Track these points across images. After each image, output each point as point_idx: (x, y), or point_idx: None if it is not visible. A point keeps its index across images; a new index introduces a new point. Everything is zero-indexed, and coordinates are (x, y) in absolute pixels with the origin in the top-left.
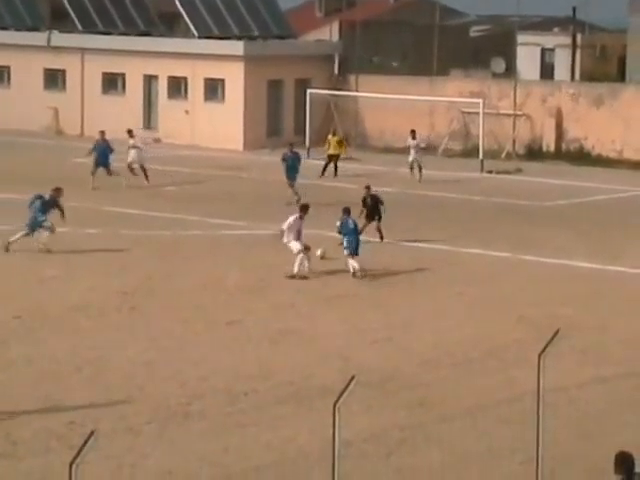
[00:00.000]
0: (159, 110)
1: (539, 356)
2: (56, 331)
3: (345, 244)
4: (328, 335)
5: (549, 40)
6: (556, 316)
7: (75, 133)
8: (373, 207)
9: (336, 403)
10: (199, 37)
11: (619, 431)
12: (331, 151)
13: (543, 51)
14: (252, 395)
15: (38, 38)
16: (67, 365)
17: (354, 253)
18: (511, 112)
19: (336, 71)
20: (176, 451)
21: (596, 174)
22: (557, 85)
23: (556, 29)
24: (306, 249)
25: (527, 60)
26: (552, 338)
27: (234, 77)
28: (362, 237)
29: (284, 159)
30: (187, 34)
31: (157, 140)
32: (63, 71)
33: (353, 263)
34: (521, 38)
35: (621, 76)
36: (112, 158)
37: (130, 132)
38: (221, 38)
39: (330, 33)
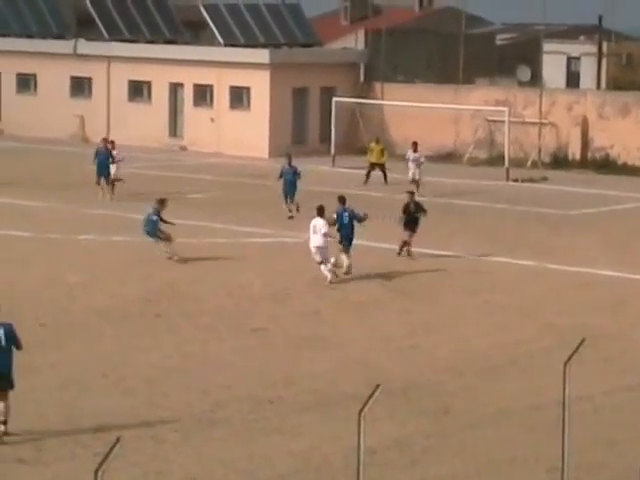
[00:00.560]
0: (185, 118)
1: (565, 364)
2: (81, 338)
3: (338, 238)
4: (352, 342)
5: (575, 48)
6: (581, 324)
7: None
8: (414, 216)
9: (361, 411)
10: (225, 45)
11: None
12: (374, 159)
13: (569, 59)
14: (276, 402)
15: (64, 46)
16: (92, 371)
17: (347, 249)
18: (537, 120)
19: (361, 79)
20: (200, 458)
21: (622, 183)
22: (583, 93)
23: (582, 37)
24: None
25: (553, 68)
26: (578, 347)
27: (260, 85)
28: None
29: (281, 175)
30: (213, 42)
31: (183, 148)
32: (89, 79)
33: (345, 260)
34: (547, 46)
35: None
36: (113, 167)
37: (112, 143)
38: (247, 46)
39: (356, 41)
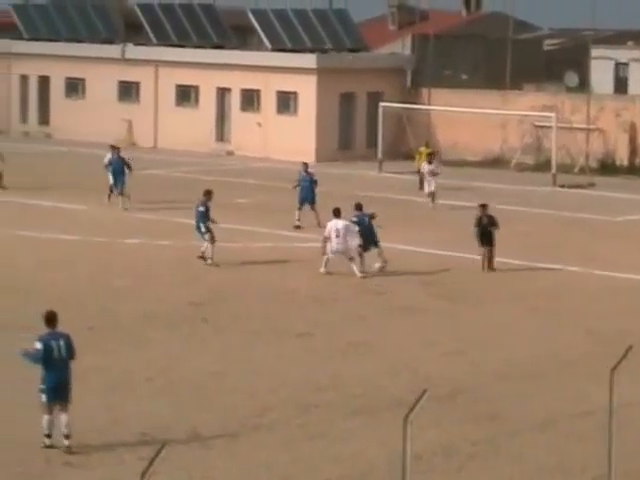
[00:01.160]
0: (232, 123)
1: (611, 371)
2: (127, 342)
3: (360, 242)
4: (398, 347)
5: (623, 54)
6: (627, 331)
7: (148, 145)
8: (487, 230)
9: (407, 416)
10: (272, 50)
11: None
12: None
13: (617, 65)
14: (322, 407)
15: (113, 51)
16: (138, 376)
17: (363, 250)
18: (584, 126)
19: (408, 84)
20: (246, 463)
21: None
22: (631, 99)
23: (630, 43)
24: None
25: (601, 74)
26: (625, 354)
27: (307, 90)
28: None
29: (298, 183)
30: (260, 47)
31: (229, 152)
32: (137, 83)
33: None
34: (595, 52)
35: None
36: (127, 178)
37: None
38: (294, 51)
39: (402, 46)
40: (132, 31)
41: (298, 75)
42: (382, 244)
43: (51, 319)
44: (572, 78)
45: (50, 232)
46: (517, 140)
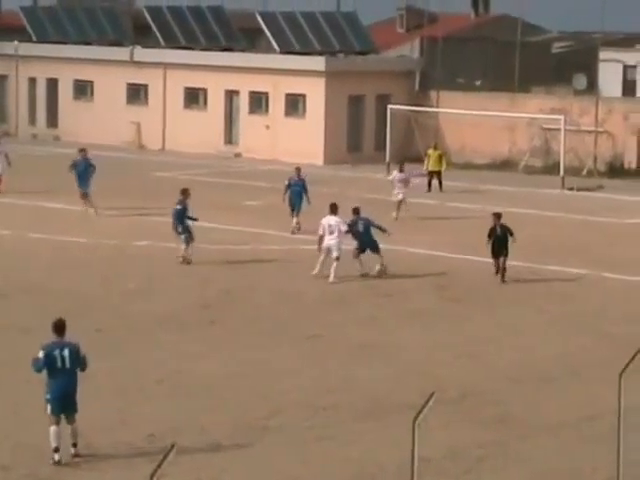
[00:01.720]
0: (240, 125)
1: (620, 375)
2: (137, 344)
3: (356, 245)
4: (409, 350)
5: (631, 57)
6: (638, 333)
7: (157, 148)
8: (501, 240)
9: (415, 419)
10: (280, 52)
11: None
12: (432, 167)
13: (625, 68)
14: (332, 409)
15: (121, 53)
16: (148, 378)
17: (360, 252)
18: (593, 129)
19: (417, 87)
20: (255, 465)
21: None
22: (639, 102)
23: (638, 46)
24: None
25: (609, 77)
26: (633, 357)
27: (315, 92)
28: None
29: (289, 185)
30: (269, 49)
31: (237, 155)
32: (145, 86)
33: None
34: (603, 55)
35: None
36: (93, 181)
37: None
38: (302, 53)
39: (411, 49)
40: (140, 34)
41: (307, 78)
42: (392, 247)
43: (59, 327)
44: (581, 81)
45: (61, 234)
46: (525, 143)
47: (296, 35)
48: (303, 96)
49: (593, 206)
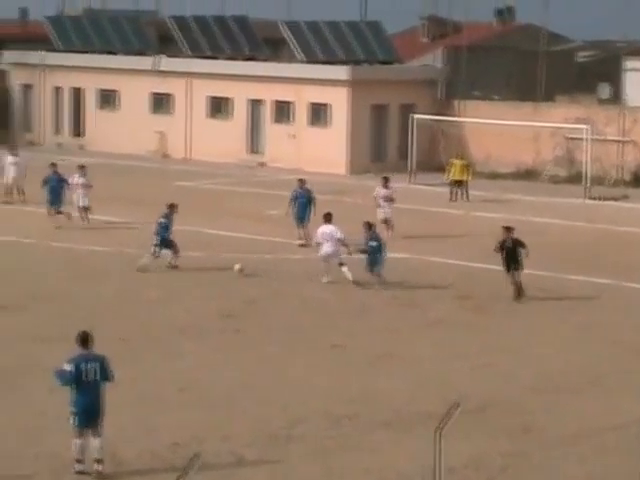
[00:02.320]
0: (264, 134)
1: None
2: (159, 353)
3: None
4: (429, 360)
5: None
6: None
7: (181, 157)
8: (512, 253)
9: (438, 429)
10: (305, 62)
11: None
12: (456, 176)
13: None
14: (353, 419)
15: (146, 63)
16: (170, 387)
17: (371, 269)
18: (618, 138)
19: (440, 96)
20: (278, 474)
21: None
22: None
23: None
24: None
25: (634, 86)
26: None
27: (339, 102)
28: None
29: (295, 197)
30: (293, 59)
31: (261, 164)
32: (170, 95)
33: (346, 275)
34: (628, 64)
35: None
36: (64, 196)
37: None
38: (326, 63)
39: (435, 58)
40: (165, 43)
41: (330, 87)
42: (414, 256)
43: (85, 339)
44: (605, 90)
45: (83, 243)
46: (549, 152)
47: (320, 44)
48: (327, 105)
49: (617, 216)
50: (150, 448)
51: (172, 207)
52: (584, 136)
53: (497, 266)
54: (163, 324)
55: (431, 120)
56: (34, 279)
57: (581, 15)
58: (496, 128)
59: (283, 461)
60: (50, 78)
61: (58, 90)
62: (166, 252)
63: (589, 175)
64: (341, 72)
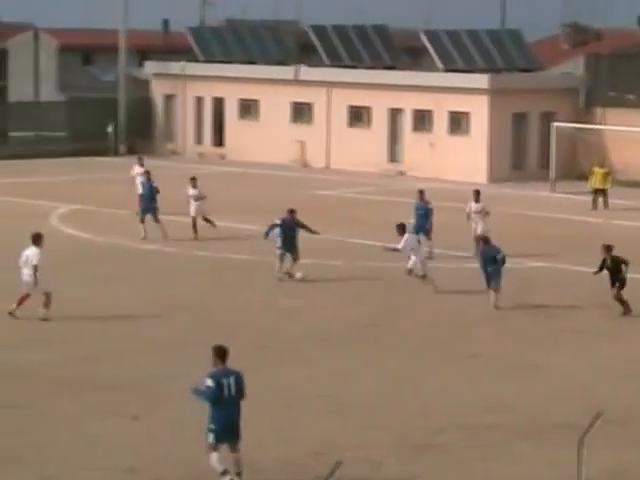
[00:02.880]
0: (404, 143)
1: None
2: (298, 360)
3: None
4: (568, 369)
5: None
6: None
7: (321, 166)
8: (614, 271)
9: (581, 439)
10: (444, 70)
11: None
12: (597, 185)
13: None
14: (493, 429)
15: (286, 72)
16: (310, 394)
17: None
18: None
19: (581, 104)
20: None
21: None
22: None
23: None
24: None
25: None
26: None
27: (479, 110)
28: None
29: (415, 209)
30: (432, 67)
31: (401, 173)
32: (310, 104)
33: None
34: None
35: None
36: (159, 202)
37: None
38: (466, 71)
39: (576, 66)
40: (305, 53)
41: (470, 95)
42: (554, 265)
43: (222, 354)
44: None
45: (226, 252)
46: None
47: (460, 53)
48: (467, 114)
49: None
50: (289, 456)
51: (292, 213)
52: None
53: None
54: (302, 332)
55: (572, 128)
56: (172, 288)
57: None
58: (638, 136)
59: (423, 471)
60: (191, 88)
61: (199, 100)
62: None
63: None
64: (481, 80)
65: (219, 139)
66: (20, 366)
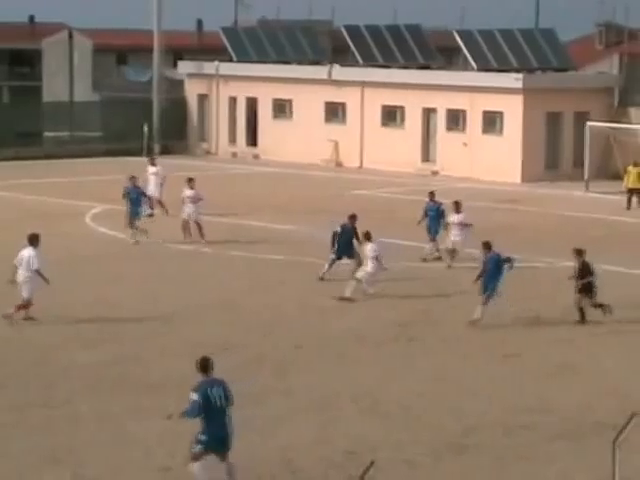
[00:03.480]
0: (437, 143)
1: None
2: (334, 360)
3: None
4: (607, 370)
5: None
6: None
7: (354, 165)
8: (582, 277)
9: (615, 440)
10: (478, 70)
11: None
12: (631, 184)
13: None
14: (528, 429)
15: (319, 72)
16: (344, 394)
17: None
18: None
19: (616, 104)
20: None
21: None
22: None
23: None
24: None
25: None
26: None
27: (513, 109)
28: None
29: (425, 211)
30: (466, 67)
31: (434, 173)
32: (343, 104)
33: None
34: None
35: None
36: (144, 209)
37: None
38: (500, 71)
39: (610, 65)
40: (339, 52)
41: (504, 95)
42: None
43: (206, 366)
44: None
45: (261, 252)
46: None
47: (493, 52)
48: (500, 113)
49: None
50: (325, 456)
51: (352, 218)
52: None
53: None
54: (337, 332)
55: (606, 128)
56: (209, 287)
57: None
58: None
59: (459, 470)
60: (225, 88)
61: (233, 100)
62: (346, 262)
63: None
64: (515, 80)
65: (253, 139)
66: (59, 366)
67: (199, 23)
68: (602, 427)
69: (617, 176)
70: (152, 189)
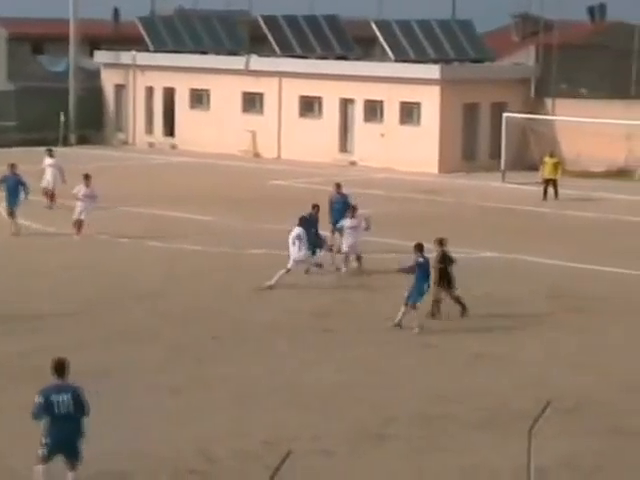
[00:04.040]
0: (355, 133)
1: None
2: (252, 352)
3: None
4: (525, 360)
5: None
6: None
7: (272, 156)
8: (443, 269)
9: (531, 429)
10: (395, 60)
11: None
12: (547, 175)
13: None
14: (447, 419)
15: (237, 62)
16: (263, 386)
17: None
18: None
19: (532, 95)
20: (370, 473)
21: None
22: None
23: None
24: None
25: None
26: None
27: (430, 100)
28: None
29: (330, 203)
30: (383, 58)
31: (352, 163)
32: (261, 94)
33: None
34: None
35: None
36: (23, 196)
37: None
38: (417, 62)
39: (527, 57)
40: (256, 43)
41: (421, 86)
42: (504, 255)
43: (60, 369)
44: None
45: (178, 243)
46: None
47: (411, 43)
48: (418, 104)
49: None
50: (243, 447)
51: (315, 208)
52: None
53: (592, 265)
54: (255, 323)
55: (523, 119)
56: (129, 278)
57: None
58: (588, 126)
59: (376, 460)
60: (142, 78)
61: (150, 90)
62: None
63: None
64: (432, 71)
65: (170, 129)
66: None
67: (116, 12)
68: (519, 415)
69: (533, 167)
70: (49, 180)
